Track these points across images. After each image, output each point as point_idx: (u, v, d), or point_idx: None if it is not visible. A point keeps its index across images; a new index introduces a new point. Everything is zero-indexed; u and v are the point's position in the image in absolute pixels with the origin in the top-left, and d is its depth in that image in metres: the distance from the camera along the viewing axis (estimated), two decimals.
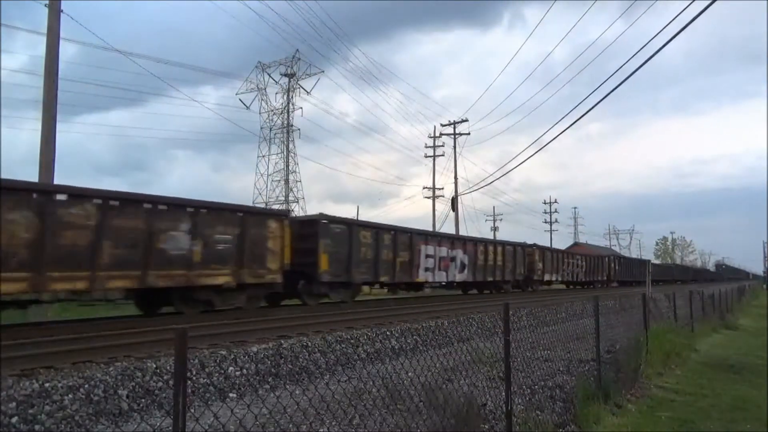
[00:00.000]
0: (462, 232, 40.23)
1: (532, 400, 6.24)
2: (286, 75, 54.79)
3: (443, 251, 21.79)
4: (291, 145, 54.94)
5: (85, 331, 9.74)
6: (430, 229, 40.47)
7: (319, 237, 15.57)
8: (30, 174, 20.99)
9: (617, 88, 12.25)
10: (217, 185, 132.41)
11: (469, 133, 43.97)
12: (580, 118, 19.71)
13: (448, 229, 47.09)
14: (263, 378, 7.38)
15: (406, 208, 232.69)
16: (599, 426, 6.00)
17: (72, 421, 5.43)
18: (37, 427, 5.22)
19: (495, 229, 65.01)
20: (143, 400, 6.13)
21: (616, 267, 45.74)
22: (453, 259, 22.55)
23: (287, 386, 7.10)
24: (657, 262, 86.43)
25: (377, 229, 18.28)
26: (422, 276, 20.45)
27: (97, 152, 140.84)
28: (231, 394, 6.79)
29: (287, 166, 54.66)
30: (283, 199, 53.55)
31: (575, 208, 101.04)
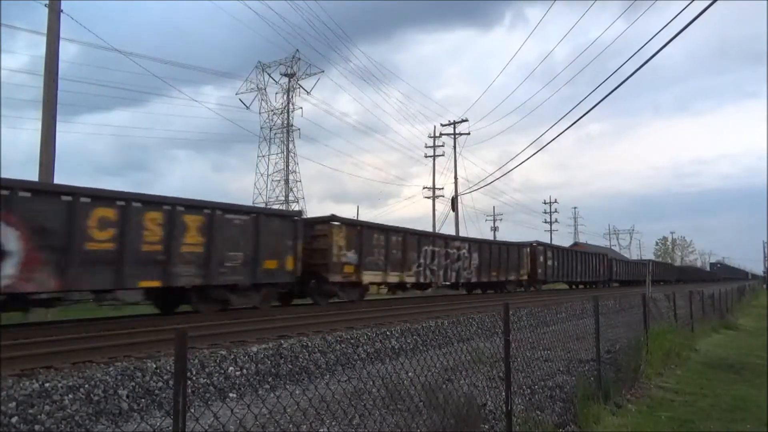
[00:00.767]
0: (462, 232, 40.25)
1: (532, 400, 6.24)
2: (286, 75, 54.83)
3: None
4: (291, 145, 55.02)
5: (85, 331, 9.74)
6: (430, 229, 40.49)
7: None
8: (30, 174, 21.00)
9: (617, 88, 12.27)
10: (217, 185, 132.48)
11: (469, 133, 44.00)
12: (581, 118, 19.68)
13: (449, 228, 47.08)
14: (263, 378, 7.38)
15: (407, 208, 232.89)
16: (599, 426, 5.99)
17: (72, 421, 5.43)
18: (37, 427, 5.22)
19: (495, 229, 65.03)
20: (143, 400, 6.13)
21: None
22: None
23: (287, 386, 7.10)
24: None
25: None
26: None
27: (98, 152, 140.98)
28: (231, 394, 6.79)
29: (287, 166, 54.69)
30: (283, 199, 53.58)
31: (575, 208, 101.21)
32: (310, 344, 8.69)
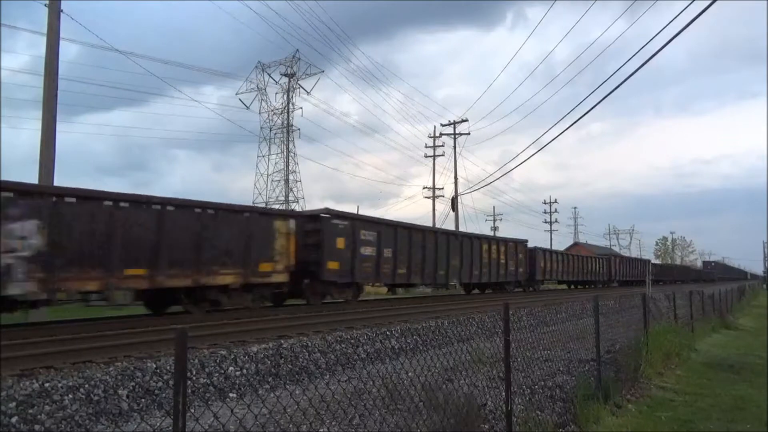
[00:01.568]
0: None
1: (532, 400, 6.23)
2: (286, 75, 54.81)
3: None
4: (291, 145, 55.01)
5: (85, 331, 9.74)
6: None
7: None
8: (30, 174, 21.00)
9: (618, 88, 12.28)
10: (218, 185, 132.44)
11: (469, 133, 44.02)
12: (581, 117, 19.70)
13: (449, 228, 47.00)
14: (263, 378, 7.38)
15: (407, 208, 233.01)
16: (599, 426, 5.99)
17: (72, 421, 5.43)
18: (37, 427, 5.22)
19: (495, 229, 65.04)
20: (143, 400, 6.13)
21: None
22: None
23: (287, 386, 7.10)
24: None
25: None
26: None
27: (98, 152, 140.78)
28: (231, 394, 6.79)
29: (287, 165, 54.70)
30: (283, 198, 53.59)
31: (575, 208, 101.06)
32: (310, 344, 8.69)
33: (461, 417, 4.55)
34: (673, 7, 10.56)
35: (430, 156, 45.45)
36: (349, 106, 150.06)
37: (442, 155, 45.40)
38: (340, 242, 15.93)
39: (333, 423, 4.65)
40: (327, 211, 16.16)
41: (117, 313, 14.00)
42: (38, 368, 6.55)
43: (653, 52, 10.66)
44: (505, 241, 27.54)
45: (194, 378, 6.76)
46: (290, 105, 54.82)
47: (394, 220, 19.78)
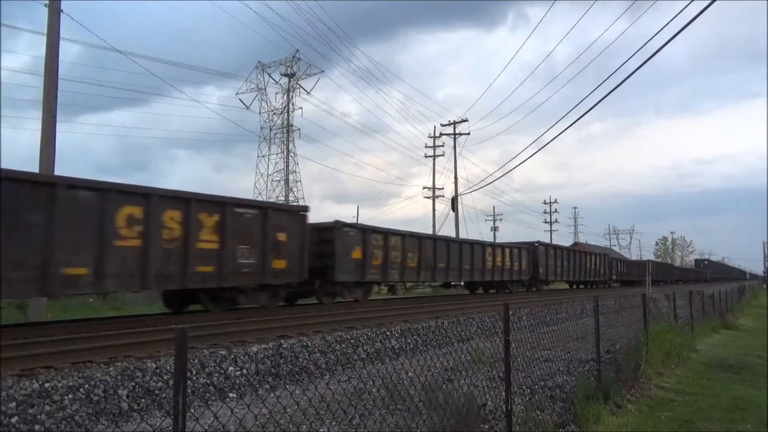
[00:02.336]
0: (462, 233, 40.31)
1: (532, 400, 6.23)
2: (286, 75, 54.80)
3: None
4: (291, 145, 55.00)
5: (85, 331, 9.74)
6: (430, 230, 40.51)
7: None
8: None
9: (617, 88, 12.27)
10: (218, 185, 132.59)
11: (469, 133, 44.07)
12: (581, 117, 19.74)
13: (449, 229, 47.07)
14: (263, 378, 7.38)
15: (407, 208, 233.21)
16: (599, 426, 6.00)
17: (72, 421, 5.43)
18: (37, 427, 5.22)
19: (495, 229, 65.09)
20: (143, 400, 6.13)
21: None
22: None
23: (287, 386, 7.10)
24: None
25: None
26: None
27: (99, 152, 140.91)
28: (231, 394, 6.79)
29: (287, 166, 54.69)
30: (283, 199, 53.54)
31: (575, 208, 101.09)
32: (310, 344, 8.69)
33: (461, 417, 4.55)
34: (674, 6, 10.58)
35: (430, 156, 45.53)
36: (349, 106, 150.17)
37: (442, 155, 45.49)
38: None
39: (333, 423, 4.65)
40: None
41: (117, 313, 14.01)
42: (38, 368, 6.54)
43: (653, 52, 10.68)
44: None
45: (194, 378, 6.76)
46: (290, 105, 54.86)
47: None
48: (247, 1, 62.85)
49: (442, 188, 46.31)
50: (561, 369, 7.64)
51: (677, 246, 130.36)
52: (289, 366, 7.92)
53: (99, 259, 9.91)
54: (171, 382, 6.01)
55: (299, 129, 55.48)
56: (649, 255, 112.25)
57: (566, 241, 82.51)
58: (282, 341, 8.75)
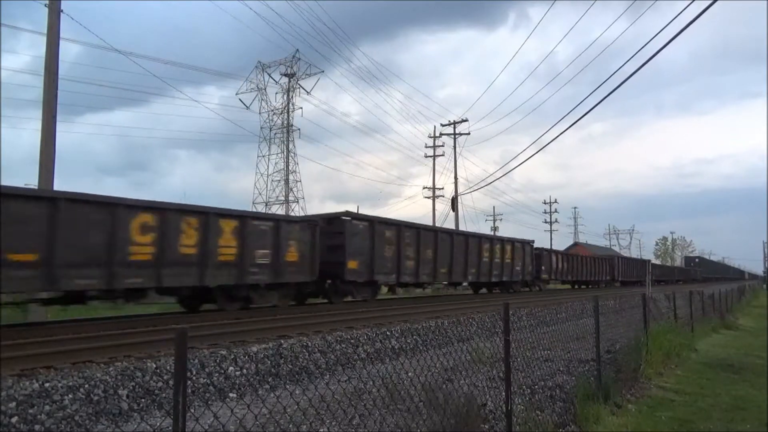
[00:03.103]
0: None
1: (532, 400, 6.23)
2: (286, 75, 54.79)
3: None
4: (291, 145, 54.99)
5: (85, 331, 9.74)
6: None
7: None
8: (30, 174, 21.02)
9: (618, 88, 12.30)
10: (219, 185, 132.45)
11: (469, 133, 44.01)
12: (581, 117, 19.66)
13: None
14: (263, 378, 7.38)
15: (407, 208, 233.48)
16: (599, 426, 5.99)
17: (72, 421, 5.43)
18: (37, 427, 5.22)
19: (495, 229, 65.04)
20: (143, 400, 6.13)
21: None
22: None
23: (287, 386, 7.10)
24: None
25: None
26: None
27: (99, 152, 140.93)
28: (231, 394, 6.79)
29: (287, 166, 54.67)
30: (283, 198, 53.57)
31: (575, 208, 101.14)
32: (310, 344, 8.69)
33: (461, 417, 4.55)
34: (674, 6, 10.57)
35: (430, 156, 45.49)
36: (349, 106, 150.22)
37: (442, 155, 45.45)
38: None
39: (333, 423, 4.65)
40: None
41: (117, 313, 14.01)
42: (38, 368, 6.54)
43: (654, 52, 10.68)
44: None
45: (194, 378, 6.76)
46: (290, 105, 54.85)
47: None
48: (247, 1, 62.85)
49: (442, 188, 46.36)
50: (561, 369, 7.64)
51: (677, 246, 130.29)
52: (289, 366, 7.92)
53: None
54: (171, 382, 6.02)
55: (299, 129, 55.53)
56: (649, 255, 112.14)
57: (566, 241, 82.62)
58: (282, 341, 8.75)
